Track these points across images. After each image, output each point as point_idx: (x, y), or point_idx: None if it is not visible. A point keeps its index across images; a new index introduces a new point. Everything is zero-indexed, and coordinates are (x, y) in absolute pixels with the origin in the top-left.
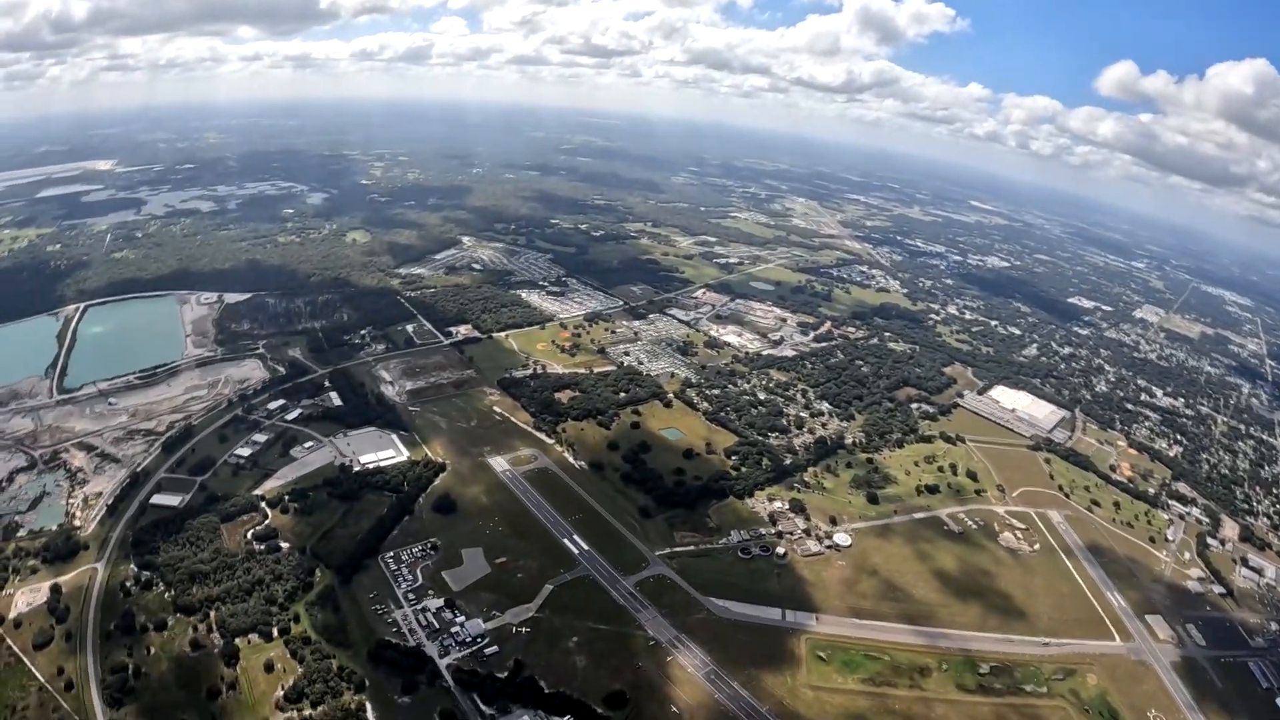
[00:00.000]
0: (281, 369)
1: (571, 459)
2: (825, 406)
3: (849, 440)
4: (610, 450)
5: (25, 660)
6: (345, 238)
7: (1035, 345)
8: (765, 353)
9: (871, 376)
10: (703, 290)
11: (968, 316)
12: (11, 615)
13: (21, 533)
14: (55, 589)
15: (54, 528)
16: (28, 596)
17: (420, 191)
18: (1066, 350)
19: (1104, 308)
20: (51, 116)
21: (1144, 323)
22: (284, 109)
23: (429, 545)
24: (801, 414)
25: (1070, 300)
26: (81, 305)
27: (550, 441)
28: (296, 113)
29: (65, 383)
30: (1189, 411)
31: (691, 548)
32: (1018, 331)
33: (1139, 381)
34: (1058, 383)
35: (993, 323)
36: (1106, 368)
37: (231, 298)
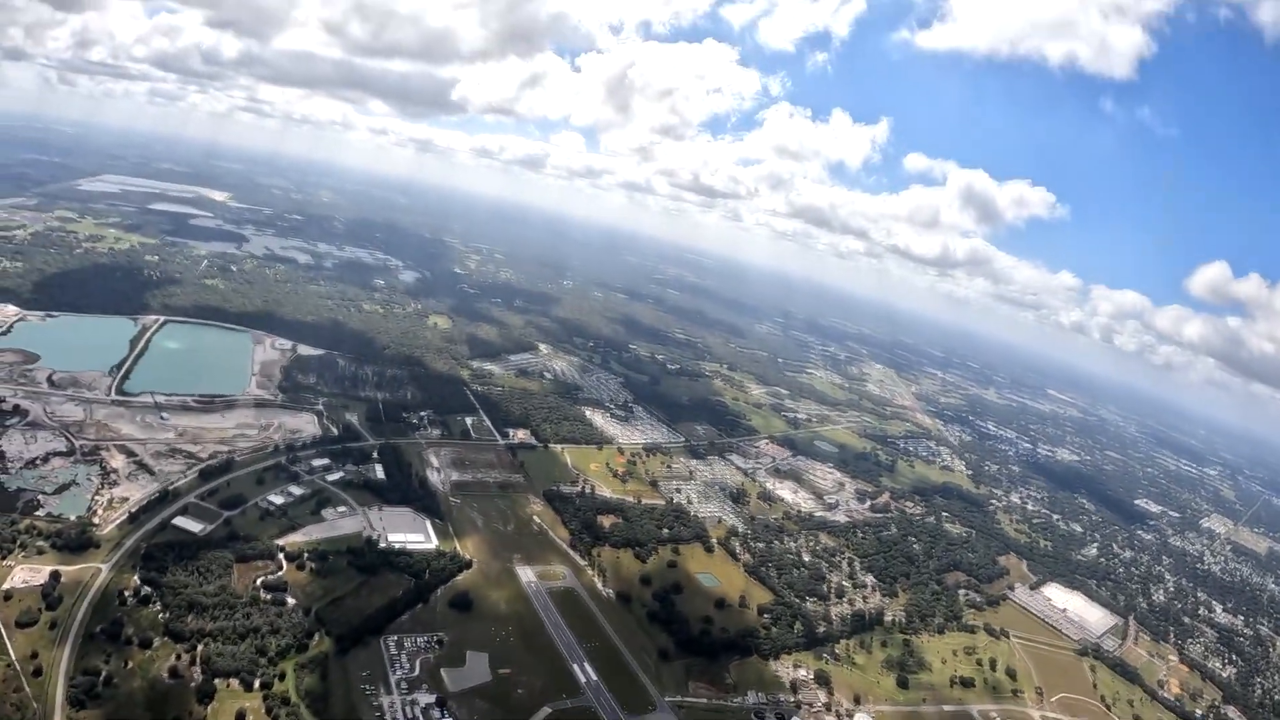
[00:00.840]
0: (334, 429)
1: (601, 585)
2: (870, 579)
3: (888, 618)
4: (642, 584)
5: (3, 634)
6: (427, 319)
7: (1096, 545)
8: (818, 514)
9: (922, 556)
10: (766, 441)
11: (1030, 507)
12: (5, 586)
13: (40, 513)
14: (55, 575)
15: (72, 518)
16: (26, 574)
17: (509, 291)
18: (1127, 554)
19: (1171, 514)
20: (182, 139)
21: (1211, 533)
22: (398, 185)
23: (435, 639)
24: (844, 583)
25: (1137, 502)
26: (162, 318)
27: (583, 563)
28: (409, 191)
29: (125, 385)
30: (1248, 631)
31: (704, 700)
32: (1079, 529)
33: (1199, 594)
34: (1114, 587)
35: (1055, 517)
36: (1167, 576)
37: (304, 349)
